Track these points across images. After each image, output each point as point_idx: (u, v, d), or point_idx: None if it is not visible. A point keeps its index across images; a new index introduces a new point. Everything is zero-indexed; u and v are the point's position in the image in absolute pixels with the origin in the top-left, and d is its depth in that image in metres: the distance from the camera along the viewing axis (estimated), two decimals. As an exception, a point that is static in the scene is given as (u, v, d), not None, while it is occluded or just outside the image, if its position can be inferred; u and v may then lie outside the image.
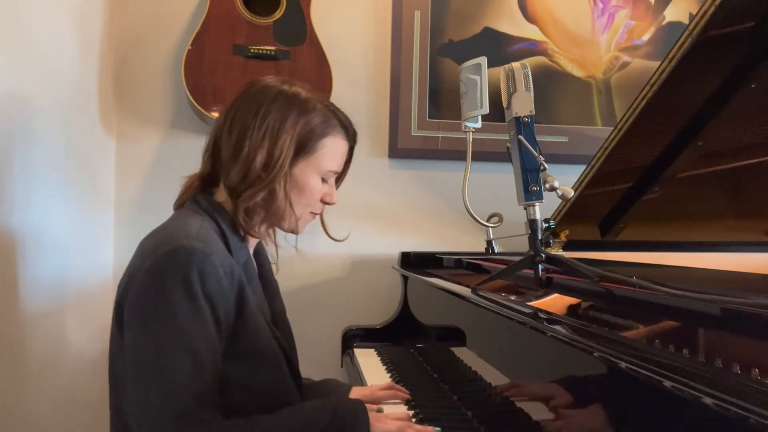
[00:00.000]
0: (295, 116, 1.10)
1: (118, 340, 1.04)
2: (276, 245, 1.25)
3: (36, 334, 1.56)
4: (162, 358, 0.95)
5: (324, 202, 1.18)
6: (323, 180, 1.16)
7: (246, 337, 1.05)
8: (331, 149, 1.14)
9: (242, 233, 1.12)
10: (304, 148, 1.11)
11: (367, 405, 1.11)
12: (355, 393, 1.31)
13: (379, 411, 1.23)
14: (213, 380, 0.99)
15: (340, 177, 1.23)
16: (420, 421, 1.16)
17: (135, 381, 0.98)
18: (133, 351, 0.99)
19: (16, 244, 1.44)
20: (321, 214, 1.22)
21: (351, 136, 1.19)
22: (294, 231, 1.18)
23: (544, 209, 1.21)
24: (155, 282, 0.97)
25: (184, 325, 0.96)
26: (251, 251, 1.18)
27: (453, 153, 2.24)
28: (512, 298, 1.20)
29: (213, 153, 1.13)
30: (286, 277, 2.20)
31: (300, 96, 1.12)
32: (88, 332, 1.92)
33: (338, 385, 1.35)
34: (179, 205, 1.16)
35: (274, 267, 1.31)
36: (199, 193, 1.13)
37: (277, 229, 1.22)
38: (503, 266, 1.34)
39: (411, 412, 1.21)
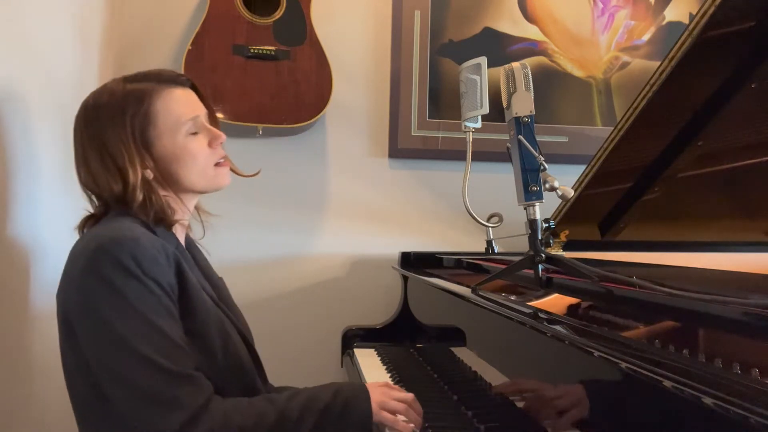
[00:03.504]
0: (110, 120, 1.08)
1: (71, 356, 1.03)
2: (202, 220, 1.25)
3: (40, 336, 1.56)
4: (132, 342, 0.94)
5: (213, 147, 1.15)
6: (193, 133, 1.12)
7: (193, 313, 1.05)
8: (166, 106, 1.10)
9: (166, 222, 1.10)
10: (144, 129, 1.08)
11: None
12: None
13: None
14: (186, 348, 0.99)
15: (210, 116, 1.19)
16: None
17: (115, 377, 0.96)
18: (97, 351, 0.98)
19: (20, 246, 1.44)
20: (229, 162, 1.18)
21: (175, 79, 1.14)
22: (217, 187, 1.16)
23: (544, 209, 1.21)
24: (94, 278, 0.97)
25: (138, 304, 0.96)
26: (182, 240, 1.16)
27: (453, 153, 2.24)
28: (512, 298, 1.20)
29: (87, 190, 1.13)
30: (286, 277, 2.24)
31: (102, 100, 1.10)
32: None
33: None
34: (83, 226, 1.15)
35: (205, 253, 1.28)
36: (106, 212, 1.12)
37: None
38: (503, 266, 1.34)
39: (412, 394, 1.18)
